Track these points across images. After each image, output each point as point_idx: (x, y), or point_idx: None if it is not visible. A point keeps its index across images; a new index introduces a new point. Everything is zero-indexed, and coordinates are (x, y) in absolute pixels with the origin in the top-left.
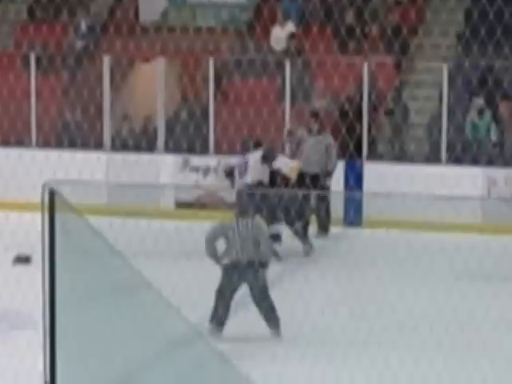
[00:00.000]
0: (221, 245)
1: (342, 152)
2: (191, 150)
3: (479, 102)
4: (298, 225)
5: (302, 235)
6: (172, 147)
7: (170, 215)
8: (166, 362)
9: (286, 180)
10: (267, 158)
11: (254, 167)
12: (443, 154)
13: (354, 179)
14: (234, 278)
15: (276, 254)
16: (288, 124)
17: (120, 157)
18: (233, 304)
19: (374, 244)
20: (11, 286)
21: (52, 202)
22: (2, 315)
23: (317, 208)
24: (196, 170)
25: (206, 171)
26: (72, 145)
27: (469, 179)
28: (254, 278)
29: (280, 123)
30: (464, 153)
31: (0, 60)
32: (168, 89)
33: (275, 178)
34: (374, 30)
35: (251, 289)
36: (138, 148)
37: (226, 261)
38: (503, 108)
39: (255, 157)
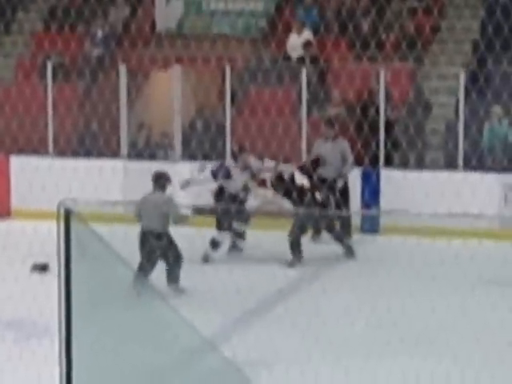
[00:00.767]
0: None
1: (358, 162)
2: (208, 157)
3: (497, 109)
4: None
5: (341, 240)
6: (188, 155)
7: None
8: (181, 371)
9: (302, 188)
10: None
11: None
12: (460, 161)
13: (370, 190)
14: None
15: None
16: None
17: (136, 165)
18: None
19: (390, 251)
20: (28, 296)
21: (67, 221)
22: (19, 325)
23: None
24: None
25: None
26: (88, 154)
27: (485, 186)
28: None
29: (295, 131)
30: (480, 160)
31: (17, 70)
32: (184, 97)
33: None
34: (391, 38)
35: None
36: (154, 156)
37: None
38: None
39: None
